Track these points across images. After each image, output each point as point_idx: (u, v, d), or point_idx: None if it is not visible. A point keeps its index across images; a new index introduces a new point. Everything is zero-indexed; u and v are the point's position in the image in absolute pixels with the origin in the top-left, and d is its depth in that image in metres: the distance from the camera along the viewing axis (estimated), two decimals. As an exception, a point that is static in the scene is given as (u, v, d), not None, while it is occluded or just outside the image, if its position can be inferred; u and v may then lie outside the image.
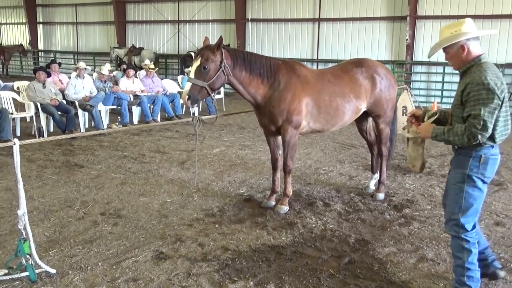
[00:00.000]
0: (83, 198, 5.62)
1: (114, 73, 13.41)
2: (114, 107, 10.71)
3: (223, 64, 4.69)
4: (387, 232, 4.78)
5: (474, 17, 14.86)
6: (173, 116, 11.70)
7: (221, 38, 4.69)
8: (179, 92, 12.62)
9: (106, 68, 10.96)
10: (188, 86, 4.65)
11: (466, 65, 3.26)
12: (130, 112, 11.00)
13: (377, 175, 6.11)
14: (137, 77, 12.13)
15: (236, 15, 18.90)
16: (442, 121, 3.52)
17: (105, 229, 4.69)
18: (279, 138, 5.34)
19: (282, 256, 4.16)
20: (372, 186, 6.12)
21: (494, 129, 3.16)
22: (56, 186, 6.10)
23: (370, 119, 5.94)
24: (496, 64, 14.52)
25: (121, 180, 6.39)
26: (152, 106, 11.32)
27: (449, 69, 15.50)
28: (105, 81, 10.79)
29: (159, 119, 11.38)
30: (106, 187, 6.07)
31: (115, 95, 10.54)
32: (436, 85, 15.97)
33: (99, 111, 10.01)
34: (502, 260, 4.17)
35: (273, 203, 5.47)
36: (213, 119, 5.18)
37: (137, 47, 20.78)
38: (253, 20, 19.02)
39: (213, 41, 17.64)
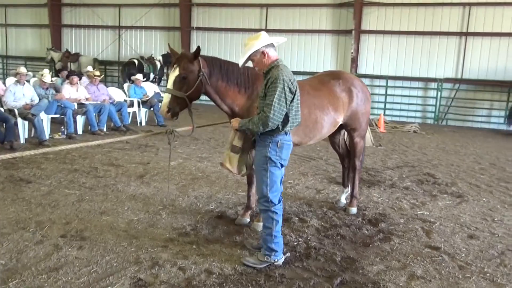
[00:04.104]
0: (37, 218, 5.04)
1: (53, 79, 12.55)
2: (57, 116, 9.97)
3: (201, 73, 4.40)
4: (370, 248, 4.67)
5: (415, 33, 15.55)
6: (120, 126, 11.13)
7: (199, 47, 4.39)
8: (125, 101, 12.07)
9: (47, 75, 10.20)
10: (167, 98, 4.28)
11: (268, 67, 3.96)
12: (74, 121, 10.30)
13: (348, 189, 6.03)
14: (79, 84, 11.41)
15: (181, 23, 18.52)
16: None
17: (70, 254, 4.19)
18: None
19: (272, 278, 3.91)
20: (343, 200, 6.03)
21: (287, 118, 3.88)
22: (3, 204, 5.45)
23: (343, 132, 5.85)
24: (434, 79, 15.37)
25: (77, 197, 5.84)
26: (98, 116, 10.69)
27: (391, 83, 16.05)
28: (47, 88, 10.04)
29: (105, 129, 10.77)
30: (62, 205, 5.51)
31: (59, 103, 9.82)
32: (379, 97, 16.45)
33: (41, 120, 9.26)
34: (488, 274, 4.18)
35: (248, 219, 5.21)
36: (189, 132, 4.83)
37: (72, 52, 19.75)
38: (198, 28, 18.73)
39: (156, 49, 17.36)
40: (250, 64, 4.22)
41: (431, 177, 7.81)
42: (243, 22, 18.07)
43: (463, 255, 4.60)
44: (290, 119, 3.94)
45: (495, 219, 5.79)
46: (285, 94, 3.81)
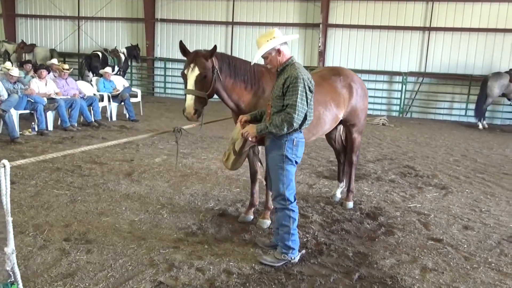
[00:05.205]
0: (33, 221, 4.80)
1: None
2: (27, 111, 9.52)
3: (216, 70, 4.33)
4: (377, 242, 4.75)
5: (381, 27, 15.87)
6: (92, 121, 10.76)
7: (215, 46, 4.31)
8: (95, 95, 11.68)
9: (15, 68, 9.70)
10: (190, 99, 4.17)
11: (283, 65, 3.94)
12: (45, 117, 9.85)
13: (343, 184, 6.11)
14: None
15: (145, 14, 18.07)
16: (258, 118, 4.24)
17: (80, 259, 4.02)
18: (259, 148, 5.06)
19: (292, 276, 3.91)
20: (338, 194, 6.10)
21: (305, 116, 3.83)
22: (-9, 207, 5.15)
23: (339, 128, 5.91)
24: (399, 73, 15.69)
25: (69, 198, 5.61)
26: (69, 111, 10.28)
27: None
28: (15, 82, 9.55)
29: (76, 125, 10.38)
30: (55, 207, 5.27)
31: (29, 98, 9.37)
32: (345, 90, 16.70)
33: (12, 116, 8.80)
34: (493, 264, 4.36)
35: (252, 217, 5.18)
36: (197, 129, 4.72)
37: (28, 43, 18.87)
38: (162, 20, 18.33)
39: (118, 41, 17.04)
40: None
41: (412, 170, 8.03)
42: (209, 15, 17.83)
43: (465, 246, 4.77)
44: (307, 117, 3.93)
45: (483, 209, 6.03)
46: (306, 93, 3.80)
